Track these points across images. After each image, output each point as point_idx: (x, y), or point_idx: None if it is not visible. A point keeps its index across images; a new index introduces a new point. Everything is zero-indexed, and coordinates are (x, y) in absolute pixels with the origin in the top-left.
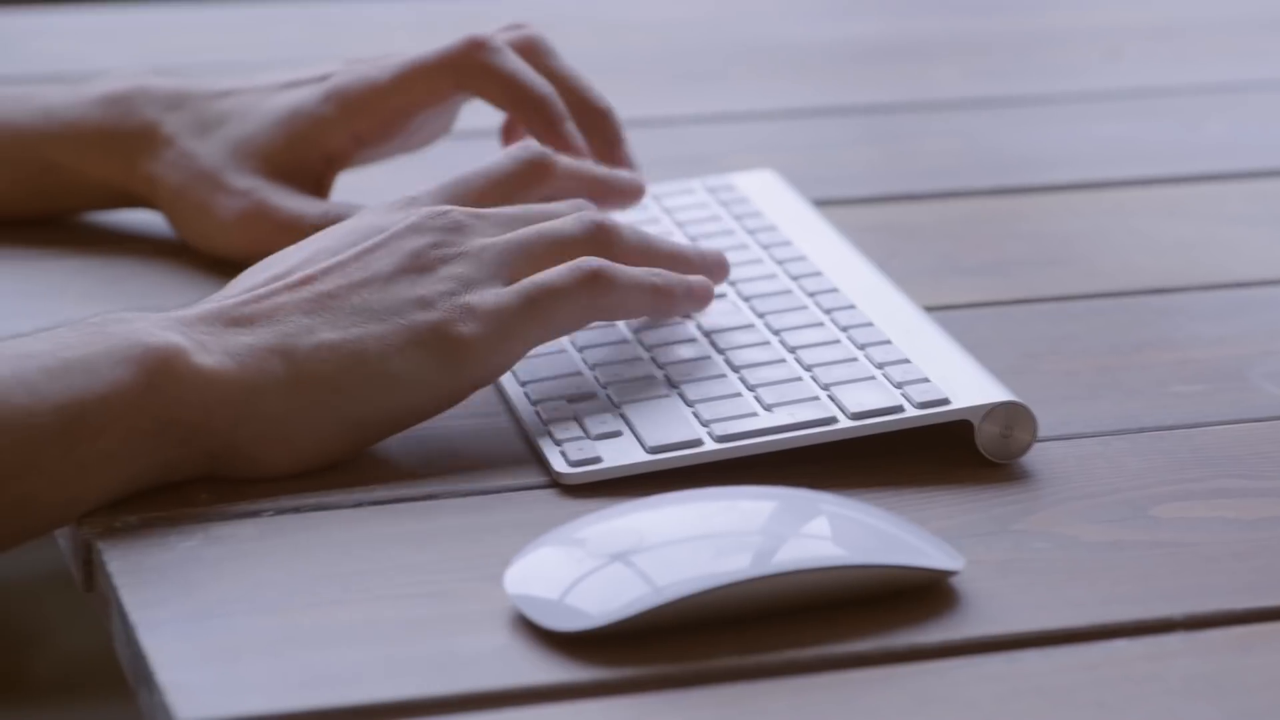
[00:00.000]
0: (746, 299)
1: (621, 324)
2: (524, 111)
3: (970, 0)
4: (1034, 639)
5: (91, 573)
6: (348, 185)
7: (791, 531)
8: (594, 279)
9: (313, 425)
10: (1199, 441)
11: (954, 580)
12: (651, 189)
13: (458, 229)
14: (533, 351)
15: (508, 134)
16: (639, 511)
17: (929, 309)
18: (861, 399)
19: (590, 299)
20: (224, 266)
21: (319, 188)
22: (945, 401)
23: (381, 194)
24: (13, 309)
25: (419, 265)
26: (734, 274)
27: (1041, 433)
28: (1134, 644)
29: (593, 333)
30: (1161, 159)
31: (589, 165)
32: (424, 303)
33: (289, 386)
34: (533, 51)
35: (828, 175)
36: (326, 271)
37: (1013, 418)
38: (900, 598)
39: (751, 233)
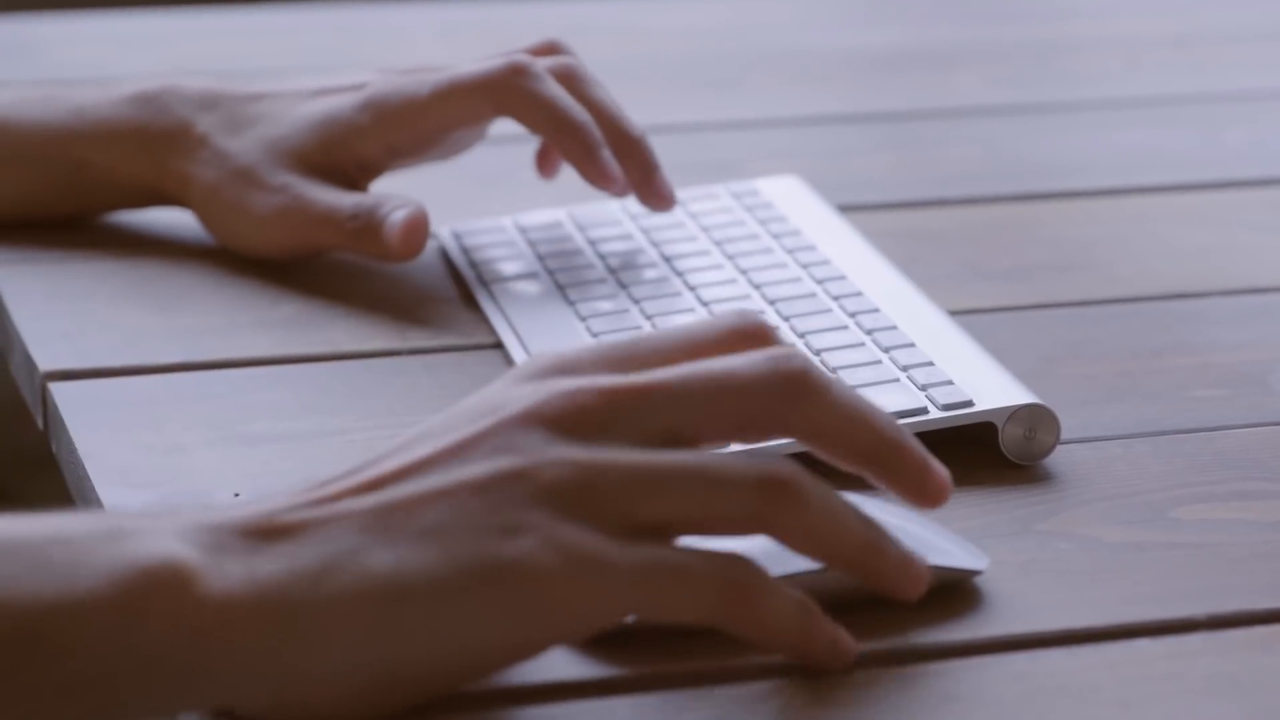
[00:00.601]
0: (772, 302)
1: (638, 311)
2: (561, 138)
3: (989, 8)
4: (1057, 638)
5: None
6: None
7: None
8: (737, 591)
9: (340, 675)
10: (1220, 445)
11: (978, 580)
12: (677, 194)
13: (589, 419)
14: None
15: (543, 159)
16: None
17: (951, 313)
18: (887, 400)
19: (719, 608)
20: (254, 266)
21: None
22: (969, 403)
23: (404, 188)
24: (44, 310)
25: (514, 473)
26: (759, 277)
27: (1063, 435)
28: (1156, 643)
29: (607, 319)
30: (1182, 166)
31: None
32: (504, 530)
33: (313, 625)
34: (570, 79)
35: (849, 181)
36: (406, 471)
37: (1036, 420)
38: (924, 597)
39: (776, 237)
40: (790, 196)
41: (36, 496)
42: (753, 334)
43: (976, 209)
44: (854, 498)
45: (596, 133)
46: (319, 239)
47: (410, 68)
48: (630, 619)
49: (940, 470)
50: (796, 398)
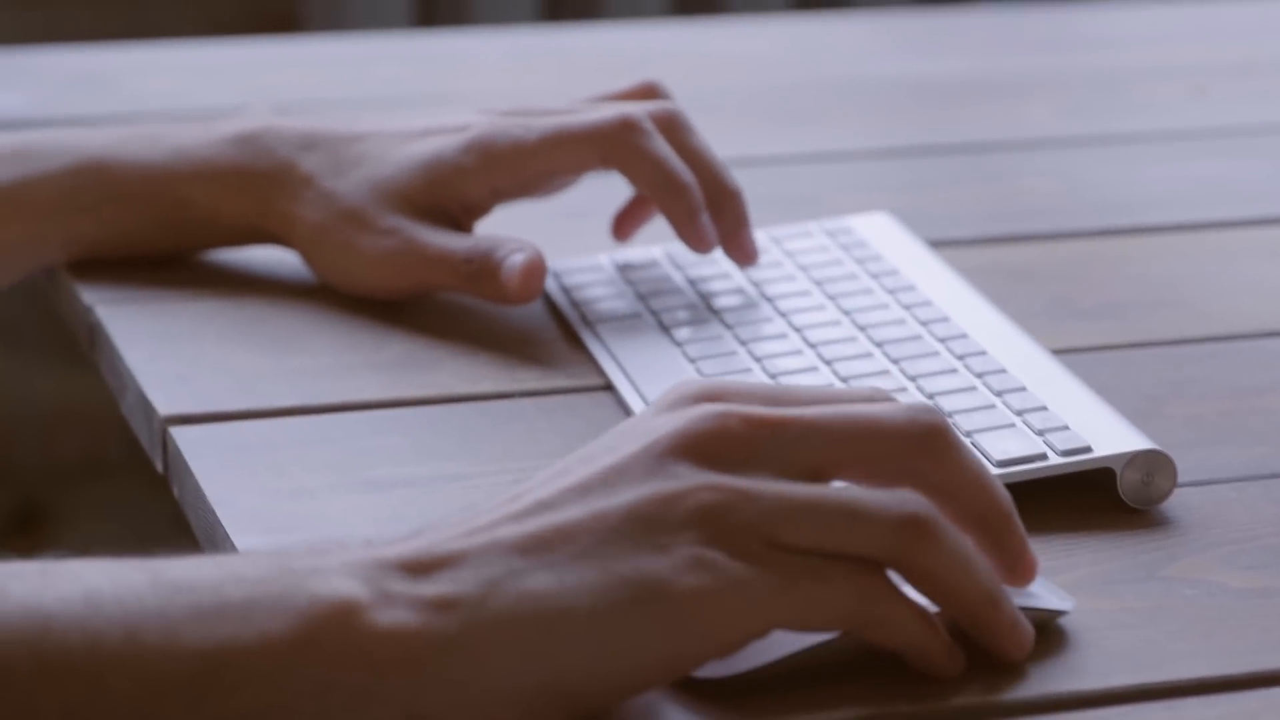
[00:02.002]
0: (879, 344)
1: (745, 353)
2: (665, 198)
3: (1050, 36)
4: (1193, 687)
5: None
6: None
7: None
8: (871, 601)
9: (505, 694)
10: None
11: (1109, 627)
12: (770, 231)
13: (739, 448)
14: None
15: (627, 220)
16: None
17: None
18: (1005, 446)
19: (857, 610)
20: (356, 306)
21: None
22: (1088, 449)
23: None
24: (153, 351)
25: (669, 496)
26: (863, 319)
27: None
28: None
29: (717, 361)
30: (1258, 199)
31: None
32: (658, 549)
33: (478, 645)
34: (672, 127)
35: (932, 215)
36: (561, 495)
37: (1154, 465)
38: (1041, 644)
39: (875, 277)
40: (883, 234)
41: (72, 510)
42: (939, 438)
43: (1061, 244)
44: None
45: (699, 195)
46: (431, 280)
47: (513, 109)
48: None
49: (1033, 555)
50: (932, 451)
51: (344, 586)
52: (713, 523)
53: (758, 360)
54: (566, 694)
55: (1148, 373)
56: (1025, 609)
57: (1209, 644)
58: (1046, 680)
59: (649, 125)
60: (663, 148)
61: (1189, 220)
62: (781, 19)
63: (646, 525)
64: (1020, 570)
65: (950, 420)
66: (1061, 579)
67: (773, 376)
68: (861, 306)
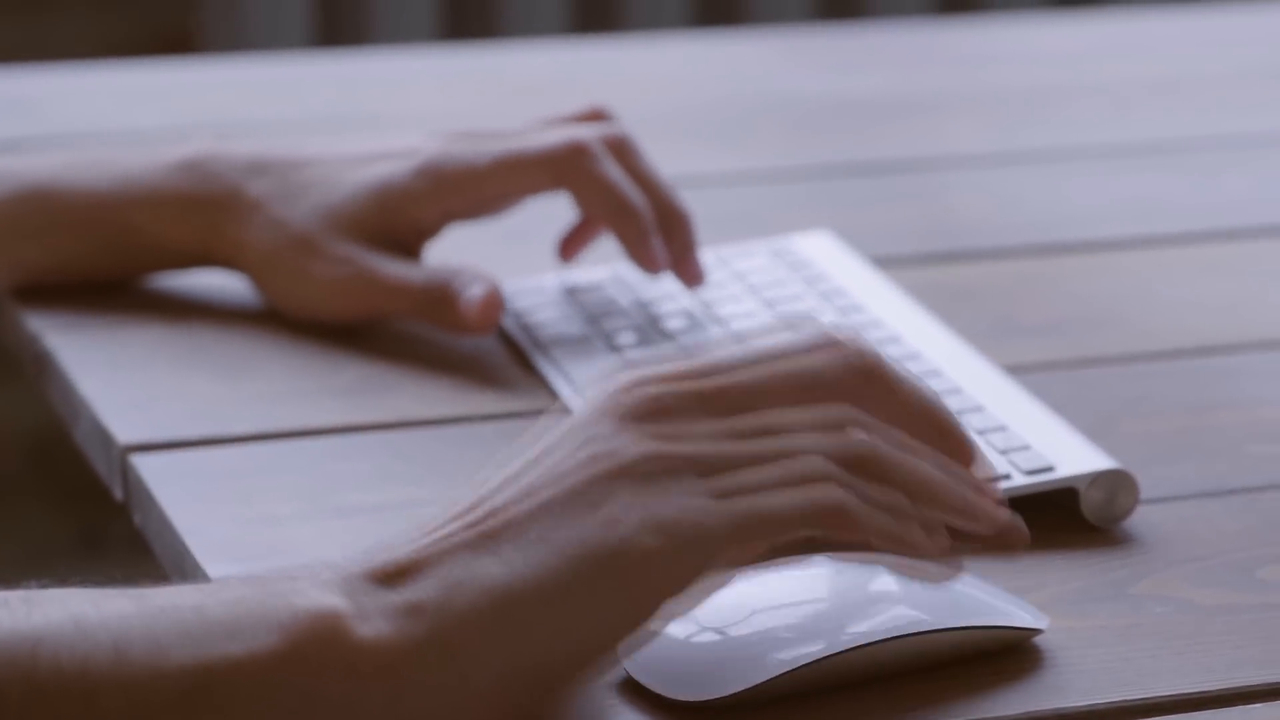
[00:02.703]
0: None
1: None
2: (617, 221)
3: (964, 54)
4: (1174, 704)
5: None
6: None
7: (892, 598)
8: (835, 519)
9: (478, 688)
10: None
11: (1085, 645)
12: (715, 251)
13: (664, 414)
14: None
15: (573, 242)
16: (746, 580)
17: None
18: None
19: (812, 519)
20: (307, 330)
21: (409, 256)
22: (1051, 469)
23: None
24: (106, 379)
25: (602, 460)
26: None
27: None
28: (1270, 708)
29: None
30: (1186, 214)
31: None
32: (606, 520)
33: (445, 646)
34: (621, 151)
35: (868, 234)
36: (503, 487)
37: (1116, 484)
38: (1020, 663)
39: (823, 296)
40: (827, 253)
41: None
42: (872, 374)
43: (998, 263)
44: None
45: (650, 218)
46: (386, 308)
47: (461, 131)
48: None
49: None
50: (872, 395)
51: (322, 600)
52: (649, 473)
53: None
54: (541, 674)
55: (1098, 391)
56: (1000, 628)
57: (1184, 661)
58: (1029, 699)
59: (600, 149)
60: (614, 171)
61: (1122, 237)
62: (682, 37)
63: (586, 496)
64: (963, 457)
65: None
66: (1032, 598)
67: None
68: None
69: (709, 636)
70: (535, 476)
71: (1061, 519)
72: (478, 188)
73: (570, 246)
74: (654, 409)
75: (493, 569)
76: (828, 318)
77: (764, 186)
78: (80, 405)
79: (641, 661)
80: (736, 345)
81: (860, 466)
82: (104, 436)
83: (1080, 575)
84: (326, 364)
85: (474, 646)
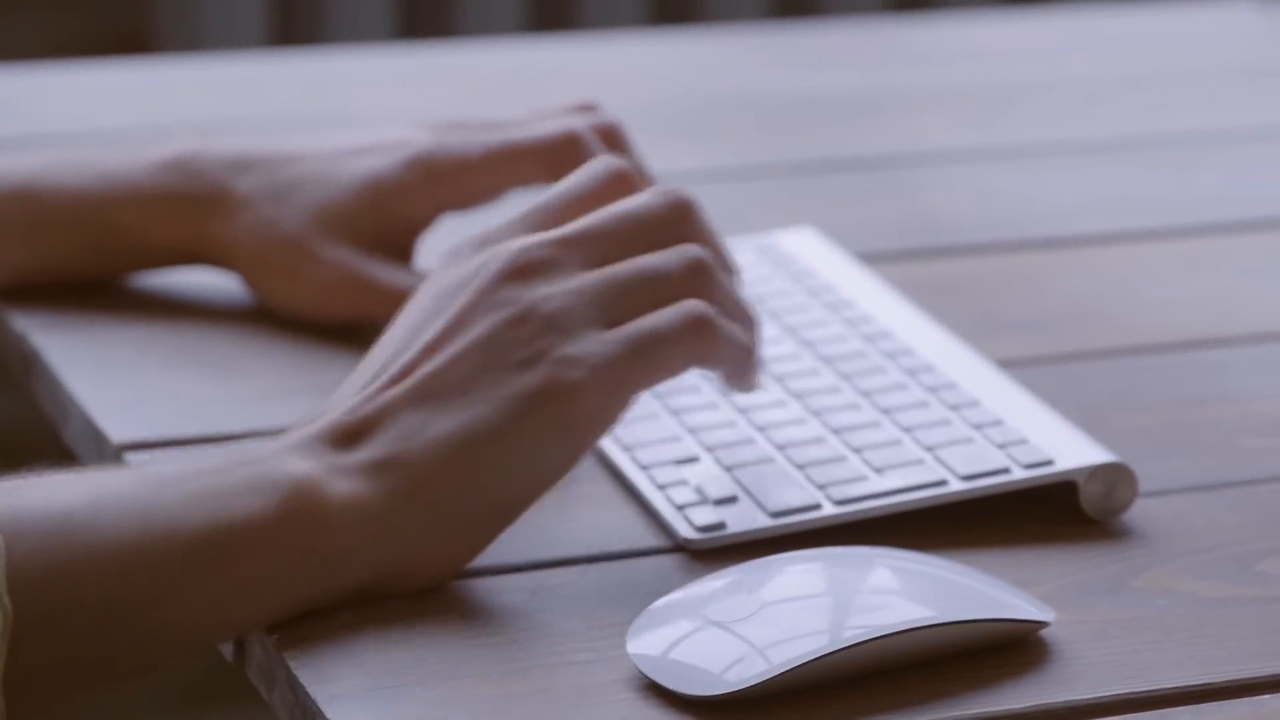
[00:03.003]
0: (825, 360)
1: (707, 386)
2: None
3: (933, 51)
4: (1181, 696)
5: (243, 646)
6: None
7: (898, 593)
8: (701, 327)
9: (448, 528)
10: None
11: (1091, 638)
12: None
13: (545, 266)
14: (630, 415)
15: None
16: (752, 575)
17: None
18: (969, 461)
19: (695, 347)
20: (294, 328)
21: (402, 251)
22: (1050, 462)
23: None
24: (96, 379)
25: (512, 319)
26: (808, 335)
27: None
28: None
29: (685, 397)
30: (1161, 210)
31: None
32: (525, 363)
33: (414, 495)
34: (614, 142)
35: (848, 231)
36: (423, 353)
37: (1115, 477)
38: (1010, 659)
39: (811, 293)
40: (812, 249)
41: None
42: (622, 177)
43: (979, 258)
44: (928, 558)
45: None
46: (379, 312)
47: (450, 122)
48: None
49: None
50: (685, 219)
51: (299, 466)
52: (559, 324)
53: (707, 379)
54: (497, 509)
55: (1086, 385)
56: (1006, 621)
57: (1189, 653)
58: (1038, 691)
59: (594, 139)
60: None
61: (1099, 232)
62: (640, 35)
63: (509, 348)
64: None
65: (887, 418)
66: (1034, 592)
67: (723, 393)
68: (803, 323)
69: (716, 632)
70: (452, 337)
71: (1058, 512)
72: (471, 179)
73: None
74: (540, 266)
75: (440, 422)
76: (816, 314)
77: (737, 184)
78: (70, 405)
79: (651, 657)
80: (558, 196)
81: (704, 274)
82: (96, 436)
83: (1081, 568)
84: (314, 362)
85: (438, 492)
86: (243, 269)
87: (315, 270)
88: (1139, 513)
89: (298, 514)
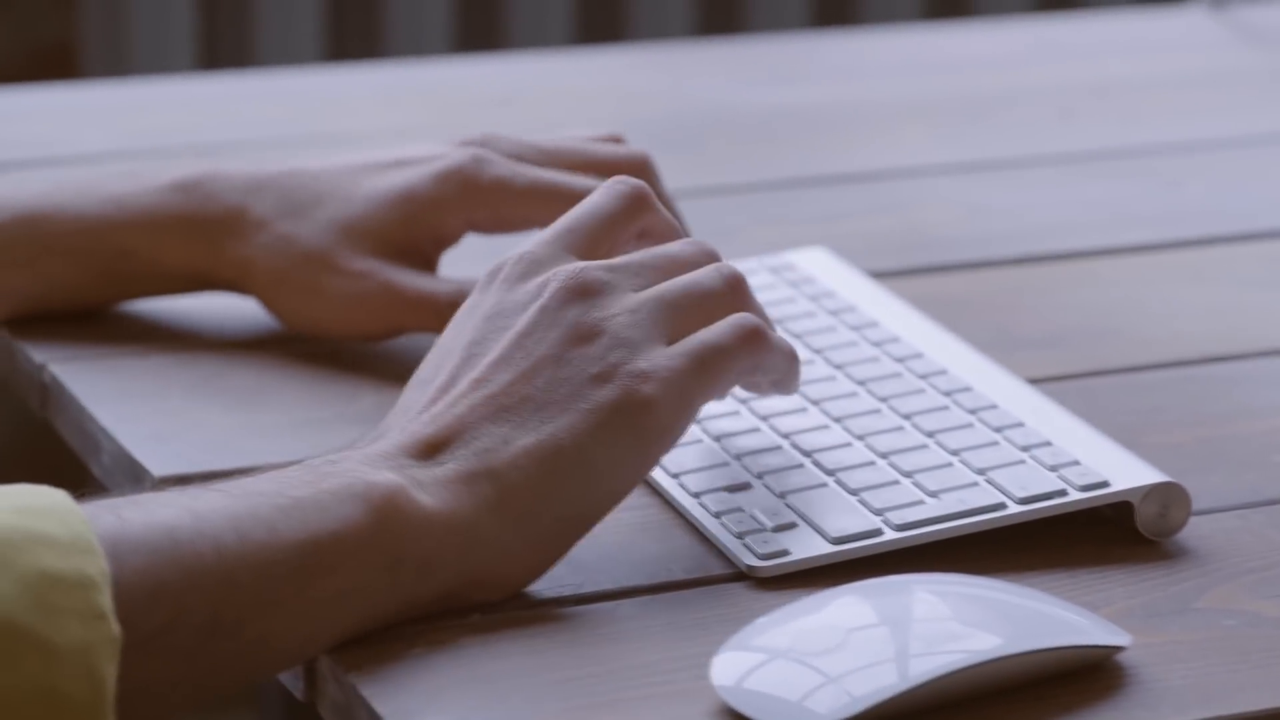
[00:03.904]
0: (860, 382)
1: (750, 412)
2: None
3: (905, 62)
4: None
5: (315, 683)
6: None
7: (980, 621)
8: (754, 337)
9: (533, 537)
10: None
11: (1164, 661)
12: None
13: (602, 289)
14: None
15: None
16: (831, 605)
17: None
18: (1024, 483)
19: (750, 355)
20: (317, 355)
21: (427, 267)
22: (1105, 484)
23: None
24: (122, 411)
25: (580, 336)
26: (837, 357)
27: None
28: None
29: (724, 421)
30: (1158, 223)
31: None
32: (600, 376)
33: (502, 506)
34: (643, 173)
35: (848, 248)
36: (493, 368)
37: (1169, 497)
38: (1089, 684)
39: (834, 314)
40: (826, 268)
41: None
42: (642, 196)
43: (982, 274)
44: (1000, 584)
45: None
46: (408, 324)
47: (481, 138)
48: None
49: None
50: (739, 299)
51: (386, 477)
52: (627, 340)
53: (742, 402)
54: (575, 520)
55: (1114, 402)
56: (1084, 647)
57: (1267, 675)
58: (1124, 717)
59: (653, 197)
60: (666, 214)
61: (1098, 246)
62: (570, 52)
63: (581, 363)
64: None
65: (933, 444)
66: (1101, 614)
67: (763, 419)
68: (831, 345)
69: (803, 665)
70: (518, 354)
71: (1112, 534)
72: (510, 206)
73: None
74: (598, 287)
75: (524, 435)
76: (843, 335)
77: (722, 201)
78: (103, 437)
79: (738, 690)
80: (591, 217)
81: (742, 290)
82: (132, 468)
83: (1142, 590)
84: (340, 391)
85: (524, 503)
86: (260, 290)
87: (340, 283)
88: (1190, 531)
89: (389, 524)
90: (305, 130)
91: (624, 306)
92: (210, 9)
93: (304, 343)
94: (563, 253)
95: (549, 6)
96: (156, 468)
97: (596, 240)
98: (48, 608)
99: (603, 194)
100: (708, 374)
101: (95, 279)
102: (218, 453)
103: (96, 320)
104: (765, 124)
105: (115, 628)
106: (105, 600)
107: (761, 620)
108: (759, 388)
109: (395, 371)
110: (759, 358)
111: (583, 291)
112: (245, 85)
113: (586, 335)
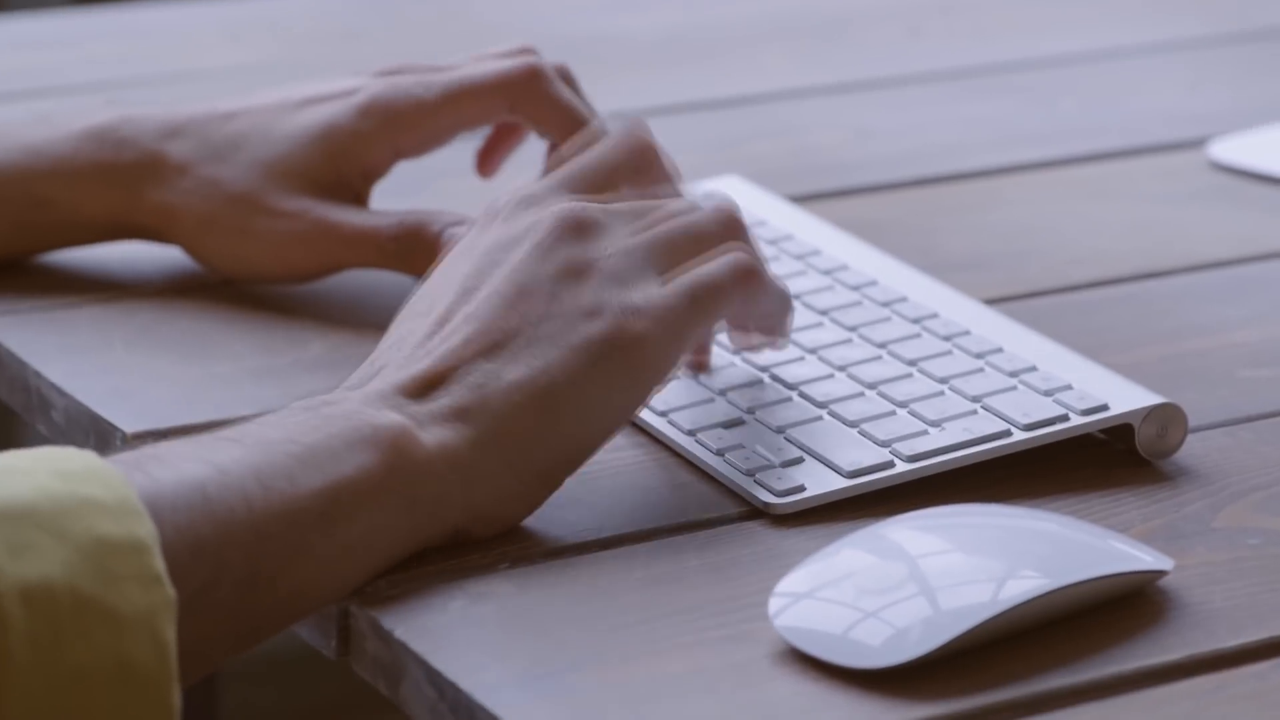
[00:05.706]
0: (823, 312)
1: (720, 346)
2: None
3: None
4: None
5: (349, 639)
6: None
7: (1032, 554)
8: (749, 275)
9: (524, 471)
10: None
11: (1203, 584)
12: None
13: (598, 227)
14: None
15: (496, 143)
16: (881, 541)
17: None
18: (1024, 410)
19: (744, 294)
20: (248, 300)
21: (358, 201)
22: (1105, 407)
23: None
24: (71, 366)
25: (573, 271)
26: (793, 287)
27: None
28: None
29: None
30: (1045, 140)
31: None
32: (592, 312)
33: (496, 440)
34: (566, 79)
35: (748, 175)
36: (486, 303)
37: (1167, 418)
38: (1137, 610)
39: (774, 243)
40: (749, 197)
41: None
42: (649, 148)
43: (892, 195)
44: (1037, 513)
45: None
46: (346, 260)
47: (394, 67)
48: None
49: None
50: (735, 239)
51: (389, 418)
52: (619, 275)
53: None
54: (570, 452)
55: (1060, 323)
56: (1130, 574)
57: None
58: (1183, 643)
59: (552, 72)
60: (568, 93)
61: (997, 165)
62: None
63: (573, 299)
64: None
65: (921, 375)
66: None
67: (735, 353)
68: (781, 274)
69: (865, 603)
70: (511, 289)
71: (1110, 456)
72: (430, 121)
73: (488, 160)
74: (595, 225)
75: (514, 369)
76: (791, 265)
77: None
78: (55, 393)
79: (804, 630)
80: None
81: (738, 228)
82: (97, 425)
83: (1157, 512)
84: (286, 337)
85: (517, 437)
86: (185, 236)
87: (272, 224)
88: (1184, 451)
89: (400, 466)
90: (158, 70)
91: (618, 246)
92: None
93: (232, 287)
94: (562, 193)
95: None
96: (127, 424)
97: (597, 186)
98: (109, 576)
99: (614, 143)
100: (700, 309)
101: (11, 230)
102: (188, 406)
103: (15, 272)
104: (627, 49)
105: (171, 591)
106: (159, 563)
107: (812, 561)
108: (749, 339)
109: (333, 315)
110: (753, 296)
111: (578, 228)
112: (86, 23)
113: (580, 271)
